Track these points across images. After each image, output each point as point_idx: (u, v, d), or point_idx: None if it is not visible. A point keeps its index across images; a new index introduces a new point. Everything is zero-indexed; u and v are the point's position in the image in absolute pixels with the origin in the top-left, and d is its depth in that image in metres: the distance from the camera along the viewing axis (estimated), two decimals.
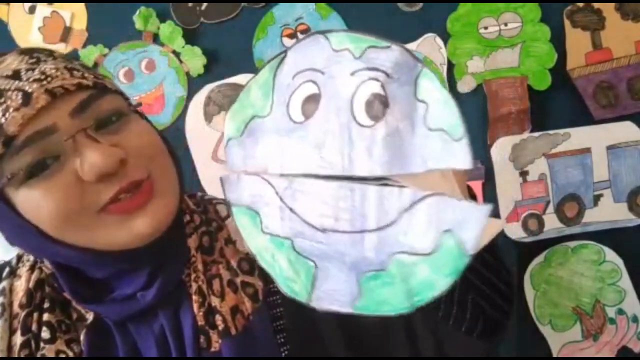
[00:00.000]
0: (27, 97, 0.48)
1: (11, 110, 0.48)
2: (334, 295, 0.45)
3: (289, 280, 0.47)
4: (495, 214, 1.06)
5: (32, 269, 0.59)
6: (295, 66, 0.47)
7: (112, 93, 0.54)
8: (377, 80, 0.43)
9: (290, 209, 0.46)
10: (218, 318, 0.55)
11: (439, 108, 0.40)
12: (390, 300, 0.43)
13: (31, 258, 0.60)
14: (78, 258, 0.54)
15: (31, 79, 0.49)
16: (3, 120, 0.48)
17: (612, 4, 1.05)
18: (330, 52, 0.45)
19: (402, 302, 0.43)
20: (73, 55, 1.20)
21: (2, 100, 0.48)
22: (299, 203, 0.46)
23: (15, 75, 0.50)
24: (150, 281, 0.56)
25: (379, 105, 0.43)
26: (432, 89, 0.41)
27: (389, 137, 0.43)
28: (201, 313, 0.55)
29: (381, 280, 0.44)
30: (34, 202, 0.50)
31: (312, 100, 0.46)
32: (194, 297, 0.56)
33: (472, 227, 0.40)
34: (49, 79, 0.50)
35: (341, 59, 0.45)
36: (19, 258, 0.62)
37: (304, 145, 0.46)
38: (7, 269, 0.60)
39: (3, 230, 0.55)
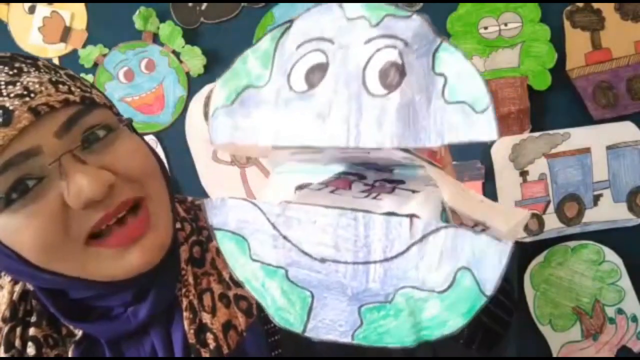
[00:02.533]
0: (8, 116, 0.43)
1: None
2: (332, 325, 0.43)
3: (282, 310, 0.44)
4: None
5: (15, 280, 0.55)
6: (301, 35, 0.43)
7: (101, 107, 0.50)
8: (394, 47, 0.40)
9: (284, 237, 0.43)
10: (209, 336, 0.53)
11: (460, 81, 0.38)
12: (393, 333, 0.41)
13: None
14: (65, 285, 0.51)
15: (12, 95, 0.44)
16: None
17: (612, 4, 1.05)
18: (344, 20, 0.41)
19: (407, 335, 0.40)
20: (73, 56, 1.20)
21: None
22: (293, 231, 0.43)
23: None
24: (140, 297, 0.53)
25: (394, 74, 0.40)
26: (452, 62, 0.38)
27: (402, 108, 0.39)
28: (192, 331, 0.52)
29: (385, 312, 0.41)
30: (14, 229, 0.45)
31: (318, 70, 0.42)
32: (185, 314, 0.53)
33: (492, 265, 0.37)
34: (32, 94, 0.45)
35: (355, 27, 0.41)
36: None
37: (304, 115, 0.42)
38: None
39: None
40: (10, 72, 0.46)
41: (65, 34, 1.21)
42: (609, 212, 1.09)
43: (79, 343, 0.53)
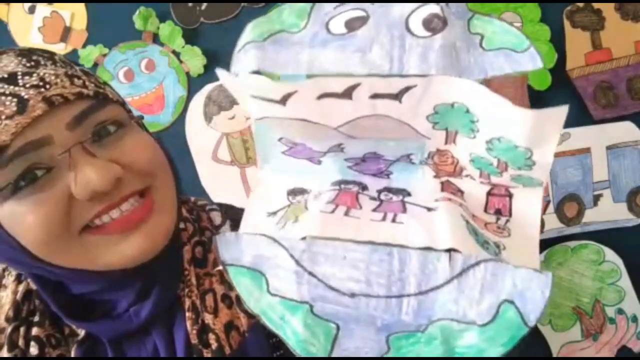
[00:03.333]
0: (22, 104, 0.44)
1: (3, 117, 0.44)
2: (356, 352, 0.42)
3: (305, 343, 0.43)
4: None
5: (18, 279, 0.56)
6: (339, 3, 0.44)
7: (113, 103, 0.51)
8: (437, 3, 0.42)
9: (310, 273, 0.42)
10: (211, 337, 0.53)
11: (496, 35, 0.41)
12: (423, 355, 0.41)
13: None
14: (65, 276, 0.51)
15: (28, 85, 0.45)
16: None
17: (612, 4, 1.05)
18: None
19: (437, 354, 0.40)
20: (73, 56, 1.20)
21: None
22: (320, 266, 0.42)
23: (11, 78, 0.46)
24: (143, 296, 0.53)
25: (437, 21, 0.41)
26: (486, 24, 0.42)
27: (446, 47, 0.41)
28: (194, 331, 0.52)
29: (415, 340, 0.41)
30: (18, 217, 0.46)
31: (359, 20, 0.43)
32: (187, 314, 0.53)
33: (535, 297, 0.37)
34: (47, 86, 0.46)
35: None
36: (4, 268, 0.58)
37: (344, 50, 0.42)
38: None
39: None
40: (28, 64, 0.47)
41: (65, 34, 1.21)
42: (609, 212, 1.09)
43: (82, 343, 0.53)
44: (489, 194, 0.48)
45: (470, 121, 0.45)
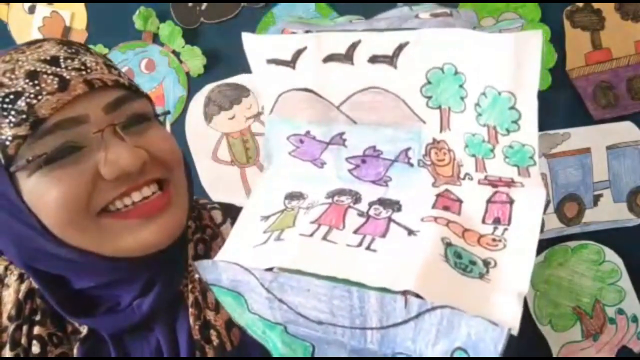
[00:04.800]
0: (64, 83, 0.47)
1: (45, 93, 0.46)
2: None
3: (285, 355, 0.46)
4: None
5: (21, 278, 0.56)
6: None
7: (143, 97, 0.55)
8: (448, 9, 0.48)
9: (280, 300, 0.45)
10: (213, 333, 0.54)
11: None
12: None
13: None
14: (74, 262, 0.51)
15: (70, 67, 0.49)
16: (35, 102, 0.46)
17: (612, 4, 1.05)
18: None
19: None
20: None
21: (36, 82, 0.47)
22: (288, 295, 0.44)
23: (54, 60, 0.49)
24: (146, 290, 0.54)
25: (444, 11, 0.47)
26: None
27: (446, 21, 0.46)
28: (197, 327, 0.54)
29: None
30: (44, 190, 0.47)
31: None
32: (190, 310, 0.54)
33: (488, 351, 0.38)
34: (88, 70, 0.50)
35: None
36: (6, 267, 0.59)
37: (351, 23, 0.51)
38: None
39: (5, 219, 0.51)
40: (69, 51, 0.51)
41: (65, 34, 1.21)
42: (610, 212, 1.08)
43: (84, 341, 0.54)
44: (489, 201, 0.48)
45: (459, 86, 0.47)
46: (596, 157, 1.08)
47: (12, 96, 0.46)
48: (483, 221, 0.48)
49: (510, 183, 0.48)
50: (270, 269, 0.45)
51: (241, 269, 0.46)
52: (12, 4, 1.22)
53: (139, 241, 0.51)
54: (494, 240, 0.46)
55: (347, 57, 0.49)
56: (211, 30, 1.15)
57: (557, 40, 1.06)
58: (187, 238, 0.59)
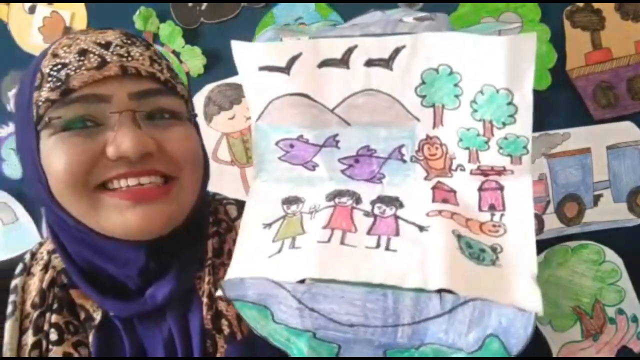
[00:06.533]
0: (102, 63, 0.51)
1: (83, 68, 0.51)
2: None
3: (308, 357, 0.47)
4: None
5: (45, 268, 0.59)
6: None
7: (178, 97, 0.56)
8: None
9: (312, 309, 0.46)
10: (224, 322, 0.55)
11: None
12: None
13: (45, 256, 0.60)
14: (71, 228, 0.54)
15: (115, 53, 0.52)
16: (72, 73, 0.51)
17: (612, 4, 1.05)
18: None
19: None
20: None
21: (83, 58, 0.51)
22: (321, 304, 0.46)
23: (106, 45, 0.53)
24: (153, 278, 0.55)
25: (426, 15, 0.50)
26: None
27: (432, 26, 0.49)
28: (209, 317, 0.55)
29: (410, 354, 0.45)
30: (56, 154, 0.51)
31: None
32: (204, 300, 0.55)
33: (518, 334, 0.42)
34: (129, 58, 0.53)
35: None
36: (33, 255, 0.61)
37: (343, 29, 0.52)
38: (20, 266, 0.60)
39: (24, 170, 0.57)
40: (126, 41, 0.54)
41: (66, 34, 1.21)
42: (610, 212, 1.09)
43: (99, 329, 0.55)
44: (480, 189, 0.50)
45: (454, 85, 0.49)
46: (596, 157, 1.08)
47: (59, 66, 0.52)
48: (479, 209, 0.51)
49: (501, 171, 0.50)
50: (302, 281, 0.47)
51: (271, 284, 0.48)
52: (12, 4, 1.22)
53: (122, 222, 0.52)
54: (494, 226, 0.49)
55: (343, 61, 0.50)
56: (211, 30, 1.15)
57: (557, 40, 1.06)
58: (208, 233, 0.60)
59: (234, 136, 1.16)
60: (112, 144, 0.50)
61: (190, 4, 1.16)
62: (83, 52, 0.52)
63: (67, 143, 0.51)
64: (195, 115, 0.60)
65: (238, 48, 0.55)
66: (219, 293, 0.51)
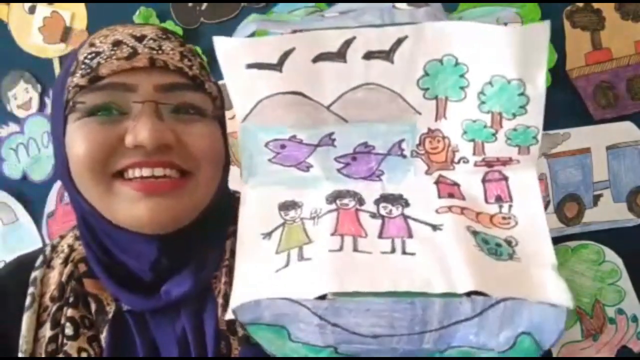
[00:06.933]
0: (132, 54, 0.52)
1: (114, 57, 0.52)
2: None
3: None
4: None
5: (65, 261, 0.59)
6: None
7: (206, 94, 0.57)
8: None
9: (334, 324, 0.44)
10: (238, 324, 0.53)
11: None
12: None
13: (65, 249, 0.60)
14: (86, 212, 0.55)
15: (147, 45, 0.54)
16: (102, 62, 0.52)
17: (612, 4, 1.05)
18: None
19: None
20: None
21: (116, 49, 0.53)
22: (344, 318, 0.44)
23: (141, 38, 0.54)
24: (167, 274, 0.55)
25: (420, 3, 0.48)
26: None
27: (429, 13, 0.47)
28: (224, 318, 0.54)
29: (432, 357, 0.44)
30: (78, 138, 0.52)
31: (350, 10, 0.49)
32: (219, 301, 0.55)
33: (551, 330, 0.41)
34: (160, 51, 0.54)
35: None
36: (54, 248, 0.61)
37: (336, 19, 0.48)
38: (40, 258, 0.60)
39: (55, 154, 0.57)
40: (161, 36, 0.56)
41: (66, 34, 1.21)
42: (609, 212, 1.08)
43: (112, 324, 0.55)
44: (484, 181, 0.49)
45: (459, 76, 0.47)
46: (596, 157, 1.08)
47: (93, 54, 0.53)
48: (486, 201, 0.49)
49: (506, 162, 0.49)
50: (322, 296, 0.44)
51: (289, 302, 0.45)
52: (12, 4, 1.22)
53: (133, 213, 0.52)
54: (504, 218, 0.48)
55: (340, 55, 0.47)
56: (211, 30, 1.15)
57: (557, 40, 1.06)
58: (227, 232, 0.59)
59: (234, 136, 1.15)
60: (131, 132, 0.51)
61: (190, 4, 1.16)
62: (117, 43, 0.53)
63: (90, 128, 0.52)
64: (222, 115, 0.60)
65: (222, 44, 0.51)
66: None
